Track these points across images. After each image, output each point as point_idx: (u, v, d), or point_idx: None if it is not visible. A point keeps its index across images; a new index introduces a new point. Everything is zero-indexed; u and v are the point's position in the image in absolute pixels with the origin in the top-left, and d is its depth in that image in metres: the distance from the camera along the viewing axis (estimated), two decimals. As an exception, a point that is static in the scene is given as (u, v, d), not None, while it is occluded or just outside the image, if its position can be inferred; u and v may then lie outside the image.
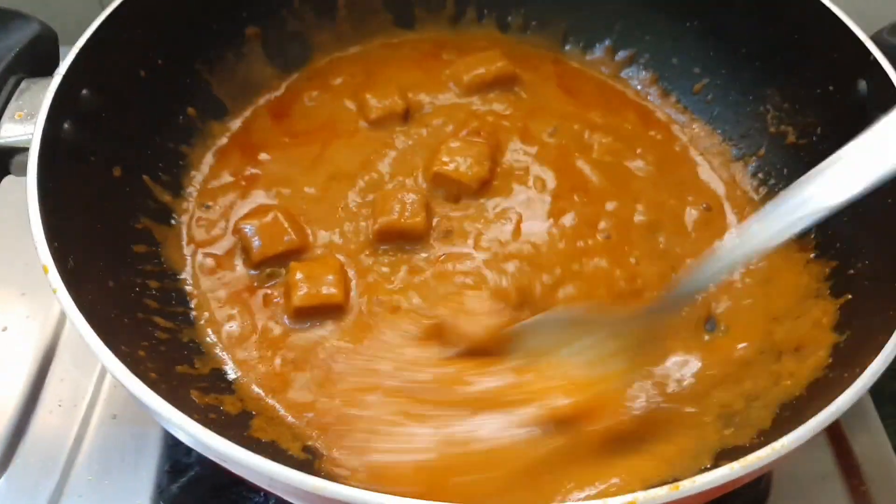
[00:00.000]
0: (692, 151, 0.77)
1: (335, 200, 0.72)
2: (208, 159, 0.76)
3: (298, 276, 0.64)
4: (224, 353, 0.63)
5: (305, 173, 0.74)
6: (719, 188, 0.75)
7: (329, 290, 0.64)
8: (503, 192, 0.72)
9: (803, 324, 0.61)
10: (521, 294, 0.65)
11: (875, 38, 0.68)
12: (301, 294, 0.63)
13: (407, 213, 0.68)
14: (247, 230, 0.68)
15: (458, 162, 0.71)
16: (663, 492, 0.41)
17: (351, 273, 0.67)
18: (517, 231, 0.69)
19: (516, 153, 0.75)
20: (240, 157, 0.76)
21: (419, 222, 0.68)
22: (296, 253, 0.68)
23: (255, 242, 0.67)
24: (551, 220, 0.70)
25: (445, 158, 0.71)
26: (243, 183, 0.74)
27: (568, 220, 0.70)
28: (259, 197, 0.73)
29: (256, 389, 0.61)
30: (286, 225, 0.68)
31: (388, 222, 0.68)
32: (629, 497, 0.40)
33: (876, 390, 0.78)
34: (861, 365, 0.47)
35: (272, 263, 0.67)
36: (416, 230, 0.68)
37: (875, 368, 0.47)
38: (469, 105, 0.79)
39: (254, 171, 0.75)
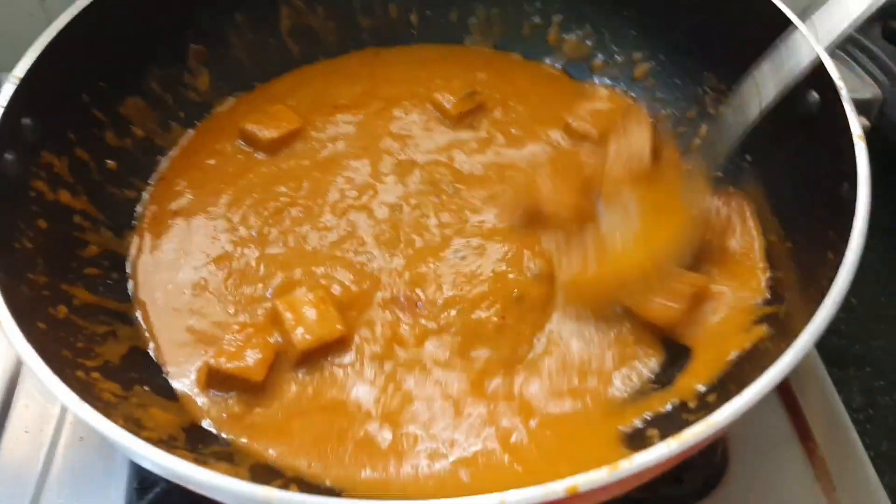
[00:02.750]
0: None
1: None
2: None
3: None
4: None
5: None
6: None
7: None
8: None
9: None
10: None
11: (804, 15, 0.70)
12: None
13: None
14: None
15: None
16: (602, 474, 0.42)
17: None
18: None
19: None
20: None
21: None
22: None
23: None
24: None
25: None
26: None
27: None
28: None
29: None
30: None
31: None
32: (568, 482, 0.41)
33: (834, 353, 0.82)
34: (790, 340, 0.48)
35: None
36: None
37: (803, 344, 0.48)
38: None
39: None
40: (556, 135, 0.79)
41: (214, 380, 0.62)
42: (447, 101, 0.80)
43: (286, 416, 0.61)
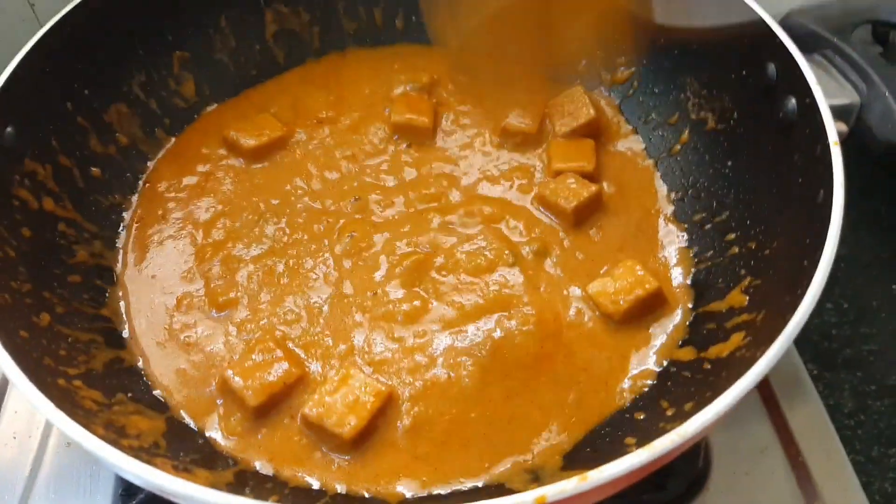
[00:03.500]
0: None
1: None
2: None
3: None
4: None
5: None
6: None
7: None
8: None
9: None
10: None
11: (784, 21, 0.70)
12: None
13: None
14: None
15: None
16: (571, 484, 0.42)
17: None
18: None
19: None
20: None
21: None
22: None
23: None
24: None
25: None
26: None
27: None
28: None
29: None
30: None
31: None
32: (537, 492, 0.41)
33: (824, 357, 0.81)
34: (766, 347, 0.48)
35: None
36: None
37: (774, 352, 0.48)
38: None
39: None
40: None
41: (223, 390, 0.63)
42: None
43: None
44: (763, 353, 0.48)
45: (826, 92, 0.60)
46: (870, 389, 0.82)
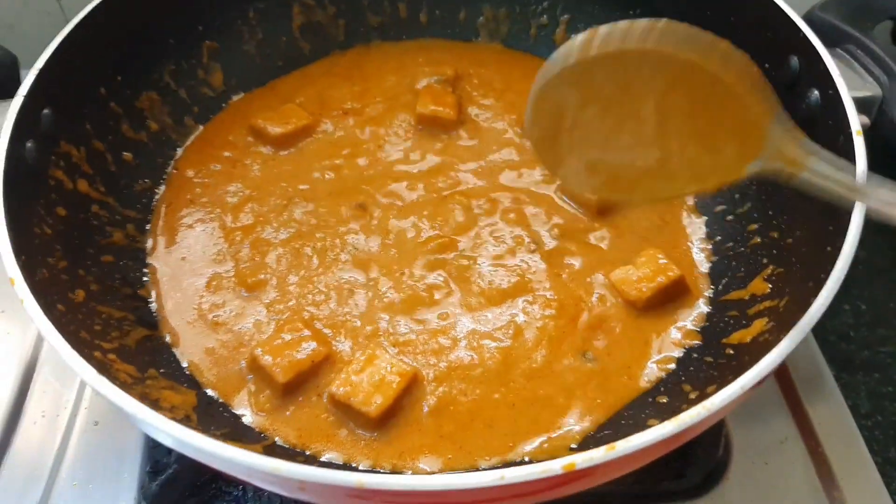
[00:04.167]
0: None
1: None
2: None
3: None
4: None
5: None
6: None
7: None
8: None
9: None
10: None
11: (807, 16, 0.71)
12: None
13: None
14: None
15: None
16: (599, 453, 0.43)
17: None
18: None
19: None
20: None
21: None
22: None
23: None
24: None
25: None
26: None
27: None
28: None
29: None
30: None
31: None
32: (566, 460, 0.42)
33: (841, 359, 0.82)
34: (790, 329, 0.49)
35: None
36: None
37: (799, 331, 0.48)
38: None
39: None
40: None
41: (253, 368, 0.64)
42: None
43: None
44: (787, 335, 0.49)
45: (849, 85, 0.61)
46: (886, 391, 0.82)
